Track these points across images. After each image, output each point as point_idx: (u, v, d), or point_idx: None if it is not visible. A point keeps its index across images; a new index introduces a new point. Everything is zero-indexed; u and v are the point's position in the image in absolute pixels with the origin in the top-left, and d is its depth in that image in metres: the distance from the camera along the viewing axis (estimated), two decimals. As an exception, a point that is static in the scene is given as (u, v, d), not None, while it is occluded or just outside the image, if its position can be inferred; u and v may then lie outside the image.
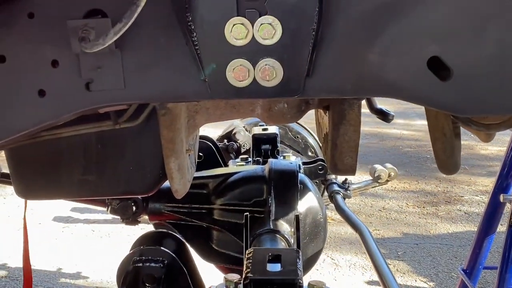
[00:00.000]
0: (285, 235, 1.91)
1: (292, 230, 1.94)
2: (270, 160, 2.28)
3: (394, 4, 1.01)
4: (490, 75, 1.03)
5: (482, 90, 1.04)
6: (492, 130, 1.40)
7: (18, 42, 1.09)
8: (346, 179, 3.09)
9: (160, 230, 2.27)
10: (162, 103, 1.41)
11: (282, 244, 1.87)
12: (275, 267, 1.49)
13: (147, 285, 1.90)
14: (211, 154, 2.96)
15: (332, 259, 4.83)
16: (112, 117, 1.45)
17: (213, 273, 2.39)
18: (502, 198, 2.97)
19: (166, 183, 1.62)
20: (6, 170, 2.76)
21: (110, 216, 2.93)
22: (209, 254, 2.25)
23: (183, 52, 1.06)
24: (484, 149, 8.18)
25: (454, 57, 1.02)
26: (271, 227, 1.95)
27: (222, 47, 1.04)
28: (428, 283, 4.43)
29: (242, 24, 1.02)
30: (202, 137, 2.91)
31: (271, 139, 2.94)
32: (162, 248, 1.98)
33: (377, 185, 3.18)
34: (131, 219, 2.37)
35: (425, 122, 1.56)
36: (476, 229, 3.29)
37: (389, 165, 3.15)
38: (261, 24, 1.02)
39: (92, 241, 5.17)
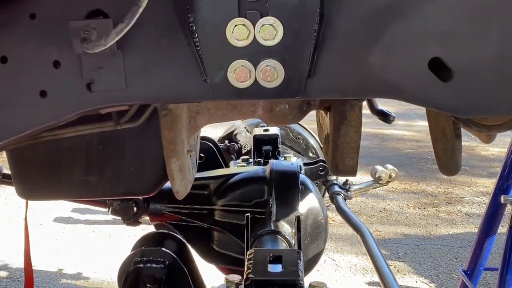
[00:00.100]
0: (286, 236, 1.91)
1: (293, 231, 1.94)
2: (271, 161, 2.29)
3: (395, 5, 1.01)
4: (491, 76, 1.03)
5: (483, 91, 1.04)
6: (493, 131, 1.40)
7: (20, 43, 1.09)
8: (347, 180, 3.09)
9: (161, 231, 2.27)
10: (163, 104, 1.41)
11: (283, 245, 1.87)
12: (276, 268, 1.49)
13: (148, 285, 1.90)
14: (212, 155, 2.96)
15: (333, 260, 4.83)
16: (113, 117, 1.45)
17: (214, 274, 2.39)
18: (503, 199, 2.97)
19: (167, 184, 1.62)
20: (7, 170, 2.76)
21: (111, 217, 2.93)
22: (210, 255, 2.25)
23: (184, 53, 1.06)
24: (485, 150, 8.17)
25: (455, 58, 1.02)
26: (272, 228, 1.95)
27: (224, 48, 1.04)
28: (429, 284, 4.43)
29: (243, 25, 1.02)
30: (203, 138, 2.92)
31: (272, 140, 2.94)
32: (163, 249, 1.99)
33: (378, 186, 3.18)
34: (132, 220, 2.37)
35: (426, 123, 1.56)
36: (476, 230, 3.29)
37: (390, 166, 3.16)
38: (263, 25, 1.02)
39: (93, 242, 5.17)
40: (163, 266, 1.92)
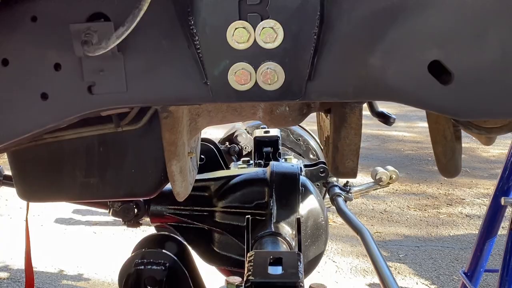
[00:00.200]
0: (287, 238, 1.91)
1: (294, 232, 1.95)
2: (272, 162, 2.29)
3: (395, 8, 1.02)
4: (490, 79, 1.03)
5: (483, 94, 1.04)
6: (493, 133, 1.40)
7: (21, 45, 1.09)
8: (347, 182, 3.09)
9: (162, 232, 2.27)
10: (164, 106, 1.41)
11: (284, 247, 1.87)
12: (277, 270, 1.50)
13: (149, 287, 1.90)
14: (213, 156, 2.96)
15: (334, 261, 4.83)
16: (114, 120, 1.45)
17: (215, 276, 2.39)
18: (503, 201, 2.97)
19: (168, 186, 1.63)
20: (8, 172, 2.77)
21: (111, 218, 2.93)
22: (210, 257, 2.25)
23: (185, 55, 1.07)
24: (485, 151, 8.16)
25: (455, 61, 1.02)
26: (273, 229, 1.95)
27: (224, 51, 1.04)
28: (430, 285, 4.42)
29: (244, 28, 1.02)
30: (204, 140, 2.92)
31: (273, 142, 2.94)
32: (163, 250, 1.99)
33: (379, 187, 3.18)
34: (132, 221, 2.37)
35: (426, 125, 1.56)
36: (477, 232, 3.29)
37: (390, 168, 3.15)
38: (263, 28, 1.02)
39: (94, 243, 5.17)
40: (163, 268, 1.92)
